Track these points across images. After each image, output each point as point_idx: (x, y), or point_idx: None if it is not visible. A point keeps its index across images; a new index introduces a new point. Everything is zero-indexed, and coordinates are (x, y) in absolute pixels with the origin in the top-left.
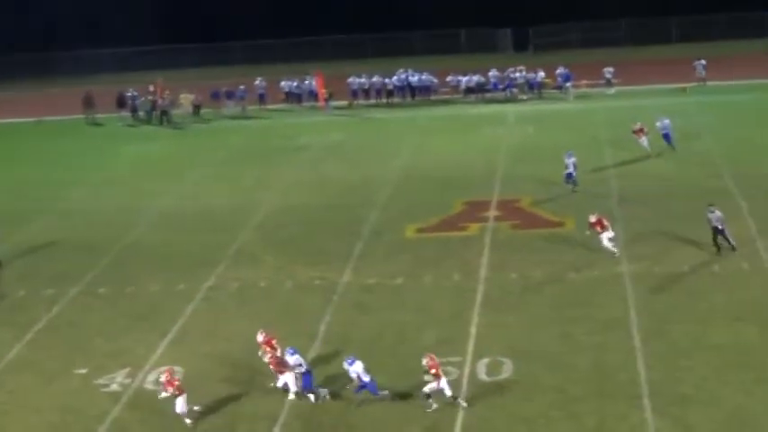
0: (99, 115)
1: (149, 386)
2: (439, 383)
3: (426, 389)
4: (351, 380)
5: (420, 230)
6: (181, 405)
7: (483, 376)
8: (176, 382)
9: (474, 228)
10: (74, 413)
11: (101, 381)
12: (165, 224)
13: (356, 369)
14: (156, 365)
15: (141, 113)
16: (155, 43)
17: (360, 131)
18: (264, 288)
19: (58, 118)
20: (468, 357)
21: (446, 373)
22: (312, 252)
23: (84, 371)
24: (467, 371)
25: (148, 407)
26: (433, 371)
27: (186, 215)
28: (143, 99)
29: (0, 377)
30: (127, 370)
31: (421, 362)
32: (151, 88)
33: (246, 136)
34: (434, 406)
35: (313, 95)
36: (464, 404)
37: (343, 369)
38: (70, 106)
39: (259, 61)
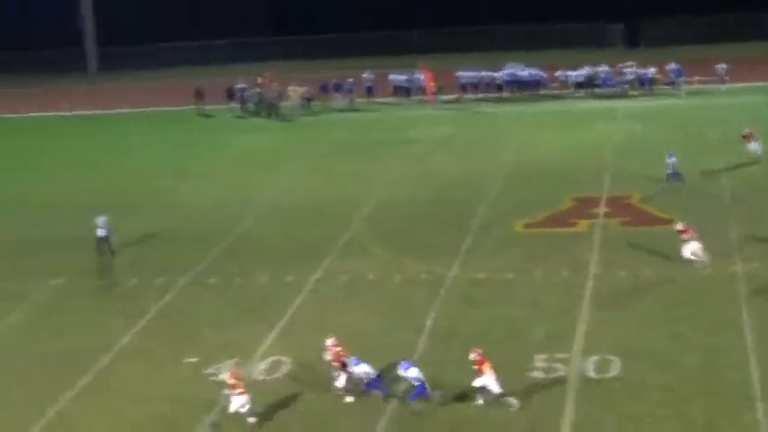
0: (209, 107)
1: (258, 376)
2: (486, 379)
3: (476, 383)
4: (410, 385)
5: (528, 225)
6: (239, 404)
7: (591, 373)
8: (236, 380)
9: (583, 224)
10: (182, 402)
11: (209, 370)
12: (273, 216)
13: (412, 374)
14: (264, 356)
15: (250, 105)
16: (265, 35)
17: (468, 125)
18: (373, 281)
19: (170, 109)
20: (577, 354)
21: (553, 370)
22: (420, 245)
23: (193, 360)
24: (575, 368)
25: (256, 397)
26: (476, 367)
27: (294, 207)
28: (252, 91)
29: (112, 364)
30: (235, 360)
31: (532, 358)
32: (259, 80)
33: (353, 129)
34: (480, 401)
35: (421, 89)
36: (514, 402)
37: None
38: (182, 97)
39: (367, 54)
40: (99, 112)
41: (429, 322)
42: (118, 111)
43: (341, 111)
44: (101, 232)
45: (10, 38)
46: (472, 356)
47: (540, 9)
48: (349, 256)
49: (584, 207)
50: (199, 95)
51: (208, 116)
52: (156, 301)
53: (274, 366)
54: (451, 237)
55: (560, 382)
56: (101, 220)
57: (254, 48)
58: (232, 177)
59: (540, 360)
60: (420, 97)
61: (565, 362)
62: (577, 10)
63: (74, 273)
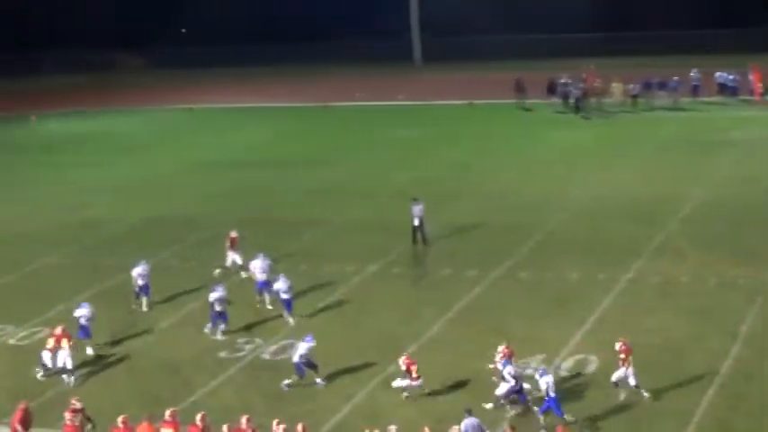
0: (529, 101)
1: (564, 373)
2: (626, 371)
3: (614, 377)
4: (539, 391)
5: None
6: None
7: None
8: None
9: None
10: (483, 395)
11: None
12: (588, 212)
13: (547, 381)
14: (570, 354)
15: (571, 101)
16: (588, 31)
17: None
18: (686, 284)
19: (490, 101)
20: None
21: None
22: (738, 249)
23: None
24: None
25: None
26: (623, 355)
27: (611, 204)
28: (575, 87)
29: (420, 353)
30: (542, 356)
31: None
32: (584, 76)
33: (677, 128)
34: (622, 396)
35: (750, 90)
36: (646, 395)
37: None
38: (502, 90)
39: (693, 52)
40: (422, 102)
41: (744, 329)
42: (440, 102)
43: (665, 109)
44: (416, 221)
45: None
46: (618, 346)
47: None
48: (663, 257)
49: None
50: (519, 89)
51: (527, 110)
52: (467, 292)
53: (580, 364)
54: None
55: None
56: (417, 208)
57: (572, 43)
58: (550, 172)
59: None
60: (747, 97)
61: None
62: None
63: (388, 259)
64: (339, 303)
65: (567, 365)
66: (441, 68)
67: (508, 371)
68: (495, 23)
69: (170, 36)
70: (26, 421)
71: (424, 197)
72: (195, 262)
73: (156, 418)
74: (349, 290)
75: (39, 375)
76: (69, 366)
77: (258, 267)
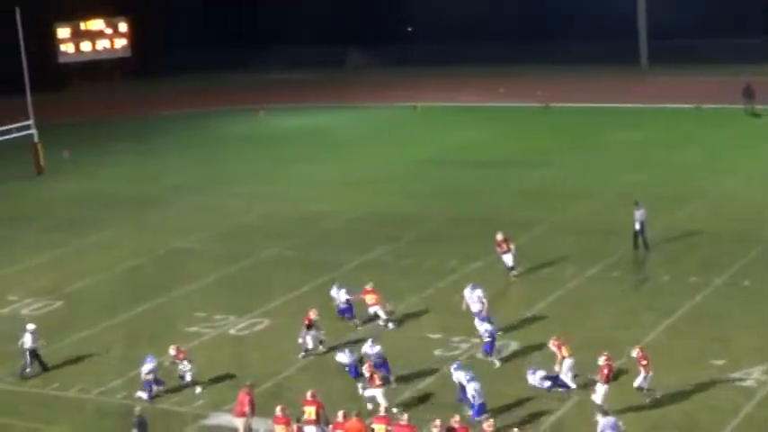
0: (759, 106)
1: None
2: (645, 376)
3: (636, 383)
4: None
5: None
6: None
7: None
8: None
9: None
10: (705, 405)
11: (736, 374)
12: None
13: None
14: None
15: None
16: None
17: None
18: None
19: (718, 106)
20: None
21: None
22: None
23: (720, 362)
24: None
25: None
26: (644, 362)
27: None
28: None
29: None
30: (765, 366)
31: None
32: None
33: None
34: (656, 395)
35: None
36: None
37: None
38: (730, 95)
39: None
40: (648, 105)
41: None
42: (667, 105)
43: None
44: (638, 225)
45: (564, 29)
46: (635, 353)
47: None
48: None
49: None
50: (748, 94)
51: (756, 115)
52: (687, 299)
53: None
54: None
55: None
56: (639, 212)
57: None
58: None
59: None
60: None
61: None
62: None
63: (608, 262)
64: (555, 306)
65: None
66: (668, 72)
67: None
68: (711, 27)
69: (396, 34)
70: (252, 404)
71: (646, 200)
72: (411, 259)
73: (364, 415)
74: (566, 293)
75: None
76: (310, 346)
77: (470, 297)
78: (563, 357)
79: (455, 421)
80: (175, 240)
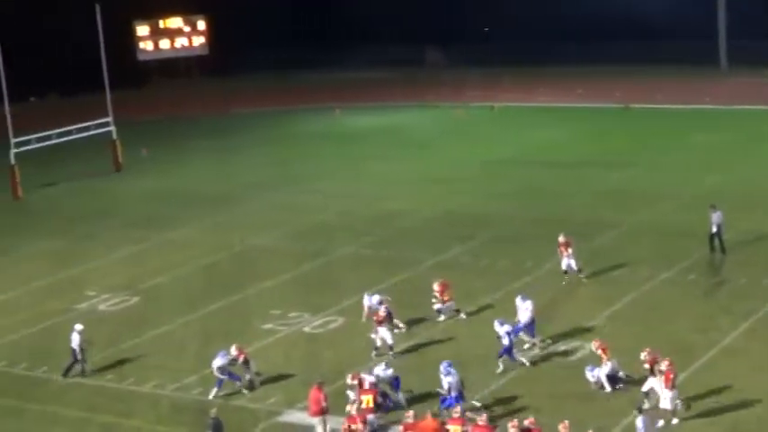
0: None
1: None
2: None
3: (644, 387)
4: None
5: None
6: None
7: None
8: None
9: None
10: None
11: None
12: None
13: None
14: None
15: None
16: None
17: None
18: None
19: None
20: None
21: None
22: None
23: None
24: None
25: None
26: (647, 366)
27: None
28: None
29: (712, 361)
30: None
31: None
32: None
33: None
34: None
35: None
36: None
37: None
38: None
39: None
40: (727, 107)
41: None
42: (747, 106)
43: None
44: (714, 228)
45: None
46: (643, 355)
47: None
48: None
49: None
50: None
51: None
52: (765, 301)
53: None
54: None
55: None
56: (715, 215)
57: None
58: None
59: None
60: None
61: None
62: None
63: (683, 265)
64: (630, 308)
65: None
66: (747, 73)
67: None
68: None
69: (474, 34)
70: (326, 402)
71: (723, 203)
72: (486, 260)
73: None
74: (640, 295)
75: (373, 354)
76: (390, 342)
77: (523, 307)
78: (607, 359)
79: (529, 422)
80: (252, 237)
